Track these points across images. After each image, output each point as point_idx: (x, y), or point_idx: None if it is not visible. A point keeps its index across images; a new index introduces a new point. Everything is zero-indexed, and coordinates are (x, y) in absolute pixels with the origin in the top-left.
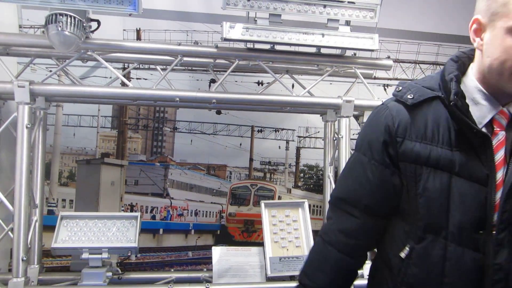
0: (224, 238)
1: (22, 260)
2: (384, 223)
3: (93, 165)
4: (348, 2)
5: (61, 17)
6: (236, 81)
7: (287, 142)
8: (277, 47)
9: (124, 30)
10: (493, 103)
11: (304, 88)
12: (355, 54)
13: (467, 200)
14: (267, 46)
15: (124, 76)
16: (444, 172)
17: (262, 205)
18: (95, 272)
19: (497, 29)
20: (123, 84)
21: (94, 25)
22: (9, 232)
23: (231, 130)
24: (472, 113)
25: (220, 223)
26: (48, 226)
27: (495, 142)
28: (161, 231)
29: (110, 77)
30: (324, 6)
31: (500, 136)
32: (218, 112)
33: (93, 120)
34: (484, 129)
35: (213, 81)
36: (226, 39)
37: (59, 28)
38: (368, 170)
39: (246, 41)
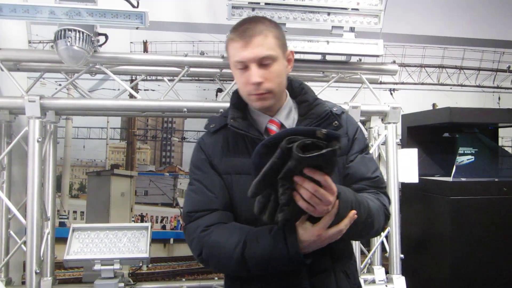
0: None
1: (36, 273)
2: (231, 214)
3: (103, 176)
4: (352, 9)
5: (69, 32)
6: None
7: None
8: None
9: (131, 42)
10: (263, 116)
11: None
12: (360, 60)
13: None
14: None
15: (132, 88)
16: (248, 175)
17: None
18: (107, 283)
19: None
20: (131, 96)
21: (102, 39)
22: (22, 245)
23: None
24: (256, 126)
25: None
26: (60, 238)
27: None
28: (171, 240)
29: (118, 89)
30: (328, 14)
31: None
32: None
33: (102, 132)
34: (265, 136)
35: (220, 90)
36: None
37: (68, 43)
38: (205, 182)
39: None
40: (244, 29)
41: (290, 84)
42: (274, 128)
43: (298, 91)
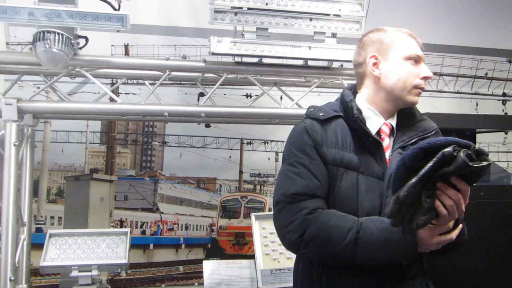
0: (215, 251)
1: (10, 280)
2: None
3: (82, 181)
4: (334, 15)
5: (48, 34)
6: (224, 94)
7: (277, 153)
8: (265, 60)
9: (112, 45)
10: (379, 117)
11: (292, 100)
12: (342, 65)
13: (369, 192)
14: (255, 60)
15: (112, 91)
16: (353, 171)
17: (253, 217)
18: None
19: (393, 60)
20: (112, 100)
21: (82, 41)
22: None
23: (220, 143)
24: (368, 125)
25: (211, 236)
26: (37, 244)
27: (384, 146)
28: (151, 246)
29: (99, 93)
30: (311, 19)
31: (386, 141)
32: (207, 125)
33: (81, 136)
34: (376, 137)
35: (201, 94)
36: (214, 53)
37: (47, 46)
38: (313, 168)
39: (234, 55)
40: (412, 33)
41: None
42: (387, 131)
43: None
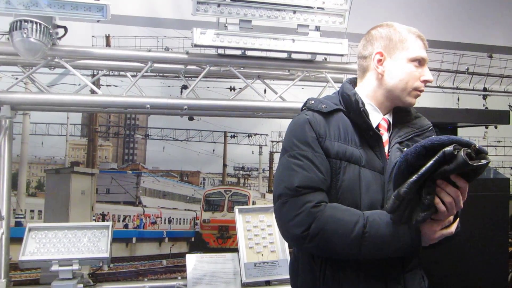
0: (199, 245)
1: None
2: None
3: (62, 174)
4: (318, 8)
5: (26, 23)
6: (208, 87)
7: (260, 147)
8: (248, 53)
9: (93, 36)
10: (378, 113)
11: (276, 93)
12: (325, 59)
13: (371, 185)
14: (238, 52)
15: (93, 83)
16: (356, 165)
17: (236, 210)
18: (65, 284)
19: (398, 59)
20: (93, 92)
21: (61, 31)
22: None
23: (203, 136)
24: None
25: (195, 230)
26: (16, 238)
27: (383, 140)
28: (134, 240)
29: (79, 84)
30: (294, 12)
31: (385, 136)
32: (191, 118)
33: (62, 128)
34: (376, 131)
35: (184, 87)
36: (197, 45)
37: (24, 35)
38: (316, 161)
39: (217, 47)
40: (420, 35)
41: None
42: (386, 126)
43: None
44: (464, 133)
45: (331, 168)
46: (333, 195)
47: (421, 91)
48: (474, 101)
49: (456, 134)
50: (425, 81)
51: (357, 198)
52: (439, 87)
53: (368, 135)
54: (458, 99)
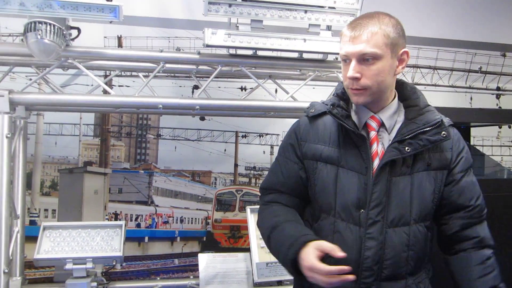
0: (210, 244)
1: (4, 272)
2: (297, 200)
3: (75, 174)
4: (329, 7)
5: (40, 25)
6: (219, 87)
7: (272, 147)
8: (260, 53)
9: (105, 37)
10: (366, 111)
11: (287, 93)
12: (336, 58)
13: (348, 186)
14: (250, 52)
15: (106, 83)
16: (333, 165)
17: (248, 210)
18: (79, 282)
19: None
20: (105, 92)
21: (74, 32)
22: None
23: (215, 136)
24: (355, 119)
25: (206, 229)
26: (31, 237)
27: (369, 139)
28: (146, 239)
29: (92, 85)
30: (305, 12)
31: (371, 135)
32: (202, 118)
33: (75, 128)
34: (363, 131)
35: (196, 87)
36: (208, 45)
37: (39, 36)
38: (282, 166)
39: (228, 47)
40: (356, 24)
41: (401, 87)
42: (374, 125)
43: (409, 95)
44: (477, 132)
45: (308, 169)
46: (312, 195)
47: (355, 89)
48: (487, 101)
49: (469, 133)
50: (350, 78)
51: (332, 197)
52: (452, 86)
53: (353, 135)
54: (471, 99)
